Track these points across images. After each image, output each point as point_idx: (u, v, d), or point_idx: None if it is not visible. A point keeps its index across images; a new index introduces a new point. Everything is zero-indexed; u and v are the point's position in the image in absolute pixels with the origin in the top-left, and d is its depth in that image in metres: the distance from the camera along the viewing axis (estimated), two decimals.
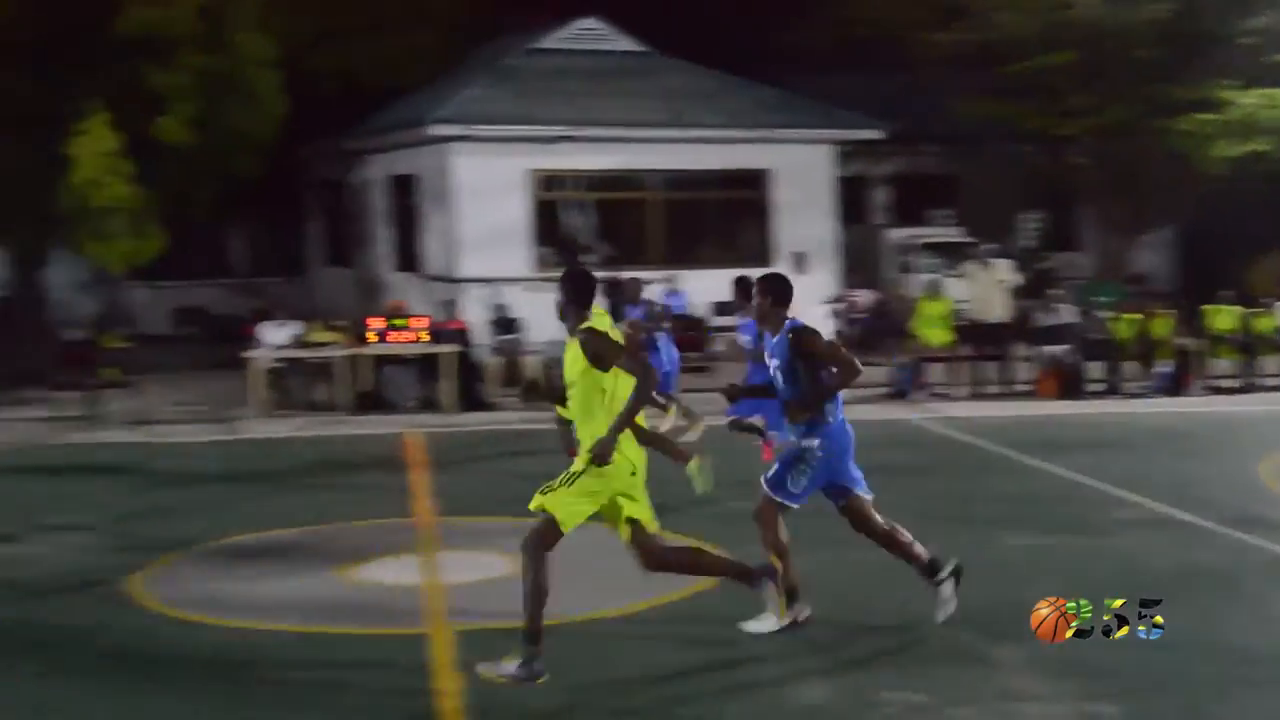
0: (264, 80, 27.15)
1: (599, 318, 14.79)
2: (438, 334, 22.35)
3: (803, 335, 9.56)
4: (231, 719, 8.36)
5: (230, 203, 29.64)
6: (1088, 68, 28.97)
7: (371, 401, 22.01)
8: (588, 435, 8.62)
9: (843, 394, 9.79)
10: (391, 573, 11.76)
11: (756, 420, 14.78)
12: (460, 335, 22.76)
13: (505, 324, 24.26)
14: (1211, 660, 9.10)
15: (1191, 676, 8.77)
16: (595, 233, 29.18)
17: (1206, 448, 18.15)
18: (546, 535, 8.52)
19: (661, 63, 31.15)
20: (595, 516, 8.75)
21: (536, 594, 8.46)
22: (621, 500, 8.71)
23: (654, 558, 8.94)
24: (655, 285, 25.63)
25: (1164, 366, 22.76)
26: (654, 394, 8.75)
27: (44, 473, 17.43)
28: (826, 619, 10.03)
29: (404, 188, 30.21)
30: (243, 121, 26.87)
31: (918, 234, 31.46)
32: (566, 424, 14.52)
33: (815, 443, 9.50)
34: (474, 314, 24.86)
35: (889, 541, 9.88)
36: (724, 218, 29.56)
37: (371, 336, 22.15)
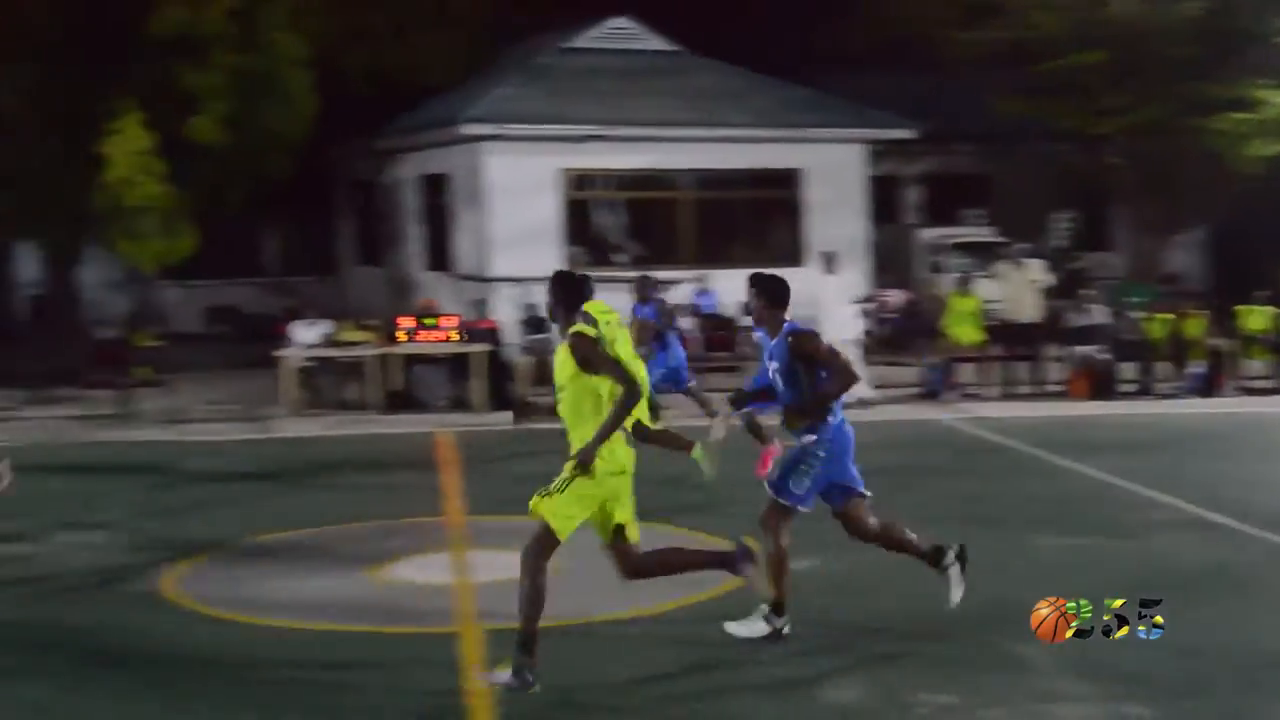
0: (296, 80, 27.22)
1: (605, 316, 14.79)
2: (468, 333, 22.37)
3: (801, 338, 9.45)
4: (261, 718, 8.39)
5: (262, 202, 29.73)
6: (1121, 66, 28.84)
7: (402, 401, 22.03)
8: (578, 439, 8.58)
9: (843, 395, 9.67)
10: (422, 572, 11.77)
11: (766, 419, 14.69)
12: (491, 334, 22.78)
13: (536, 323, 24.25)
14: (1243, 662, 9.06)
15: (1223, 678, 8.74)
16: (626, 232, 29.17)
17: (1239, 449, 18.06)
18: (544, 543, 8.47)
19: (693, 62, 31.13)
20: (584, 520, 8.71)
21: (533, 602, 8.41)
22: (611, 506, 8.66)
23: (632, 565, 8.87)
24: (686, 284, 25.67)
25: (1197, 367, 22.65)
26: (649, 400, 8.66)
27: (77, 471, 17.50)
28: (857, 619, 10.04)
29: (435, 187, 30.24)
30: (275, 121, 26.95)
31: (949, 234, 31.37)
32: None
33: (815, 440, 9.38)
34: (505, 313, 24.87)
35: (886, 541, 9.83)
36: (755, 217, 29.51)
37: (401, 336, 22.17)
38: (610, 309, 15.07)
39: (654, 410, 16.39)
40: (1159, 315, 23.14)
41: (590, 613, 10.06)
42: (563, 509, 8.43)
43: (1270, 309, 23.34)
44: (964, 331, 22.56)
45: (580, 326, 8.62)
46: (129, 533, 13.63)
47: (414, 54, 32.73)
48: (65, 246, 28.92)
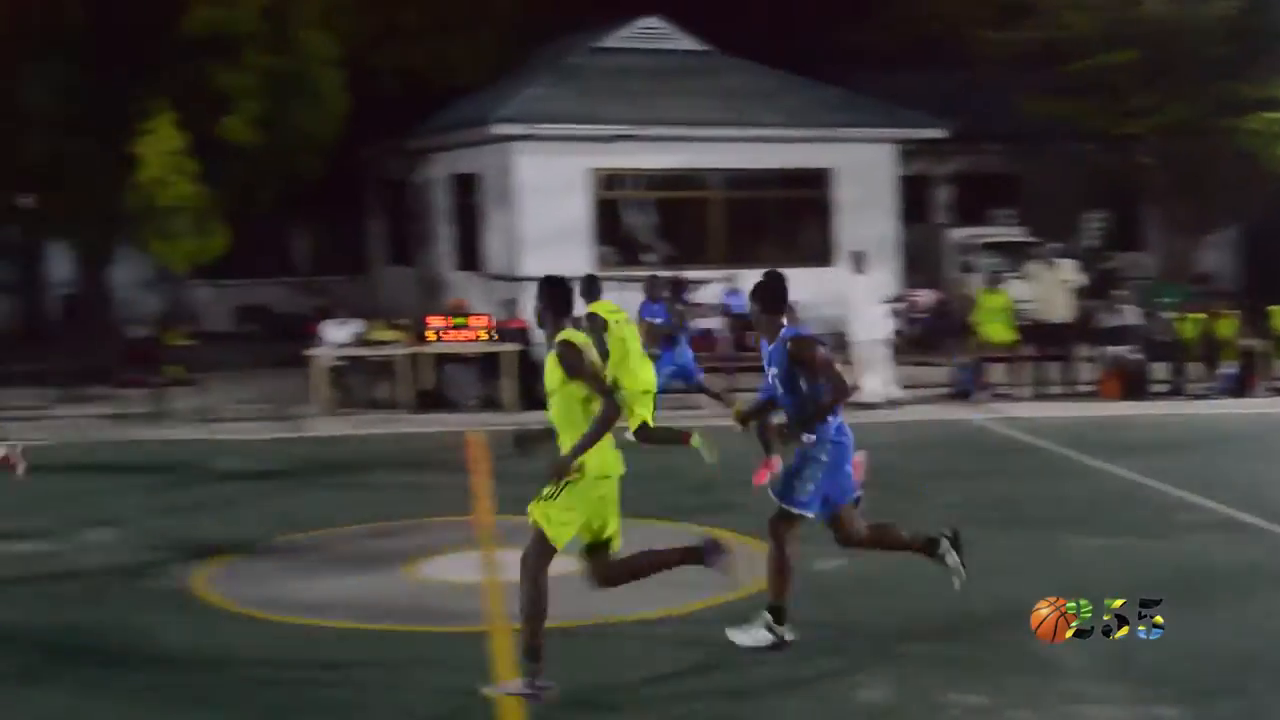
0: (327, 80, 27.31)
1: (613, 315, 14.80)
2: (499, 333, 22.40)
3: (799, 344, 9.33)
4: (293, 717, 8.42)
5: (293, 202, 29.83)
6: (1152, 66, 28.75)
7: (433, 400, 22.08)
8: (568, 445, 8.55)
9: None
10: (453, 571, 11.80)
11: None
12: (521, 334, 22.80)
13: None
14: (1274, 663, 9.03)
15: (1253, 679, 8.71)
16: (656, 232, 29.18)
17: (1271, 449, 17.98)
18: (540, 550, 8.43)
19: (723, 62, 31.12)
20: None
21: (534, 610, 8.38)
22: (602, 512, 8.61)
23: (605, 574, 8.81)
24: (715, 284, 25.66)
25: (1229, 367, 22.55)
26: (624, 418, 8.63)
27: (109, 469, 17.57)
28: (886, 619, 10.03)
29: (466, 186, 30.29)
30: (306, 121, 27.04)
31: (979, 233, 31.31)
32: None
33: (815, 443, 9.27)
34: (535, 313, 24.86)
35: (878, 544, 9.78)
36: (785, 217, 29.50)
37: (431, 335, 22.22)
38: (618, 308, 15.13)
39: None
40: (1191, 315, 23.05)
41: (619, 613, 10.06)
42: (557, 516, 8.40)
43: None
44: (995, 330, 22.49)
45: (568, 333, 8.57)
46: (159, 531, 13.68)
47: (445, 54, 32.80)
48: (98, 246, 29.06)
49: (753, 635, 9.25)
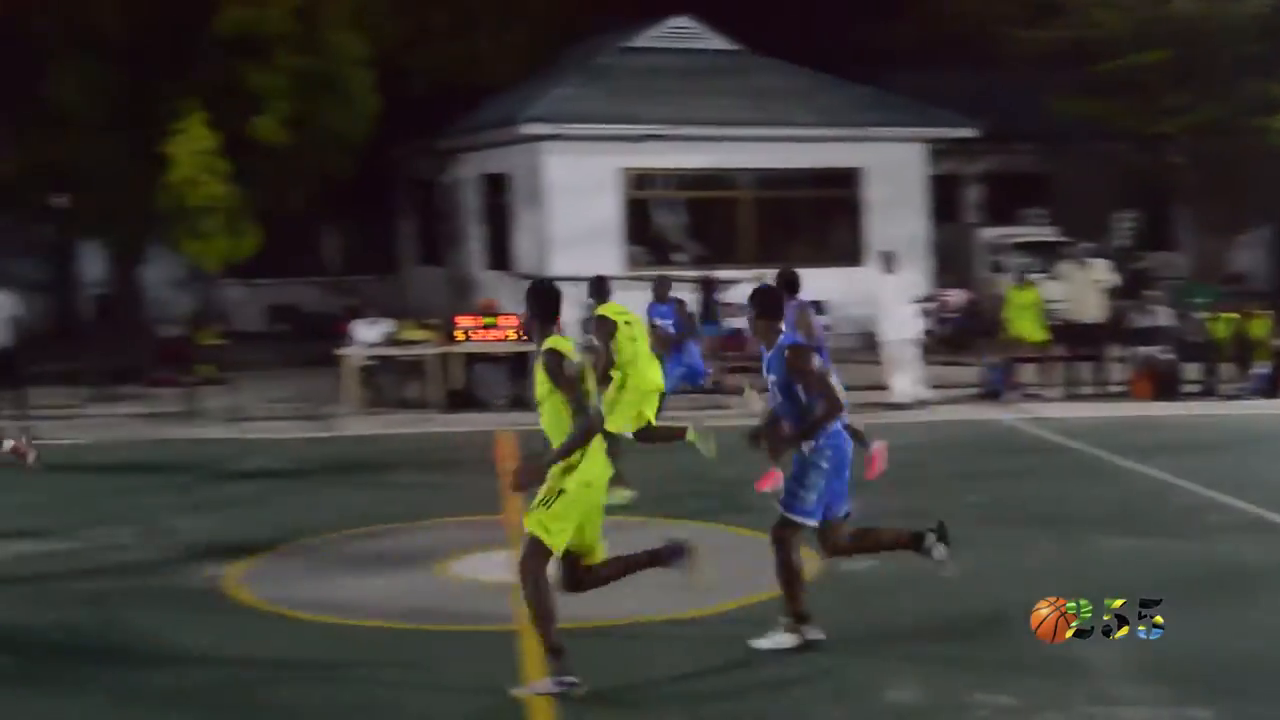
0: (358, 80, 27.38)
1: (622, 317, 14.80)
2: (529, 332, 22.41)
3: (795, 353, 9.26)
4: (322, 717, 8.45)
5: (324, 201, 29.91)
6: (1183, 65, 28.65)
7: (463, 399, 22.11)
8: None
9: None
10: (483, 570, 11.82)
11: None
12: None
13: None
14: None
15: None
16: (686, 232, 29.20)
17: None
18: (537, 556, 8.44)
19: (753, 61, 31.11)
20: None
21: (542, 613, 8.40)
22: (591, 518, 8.63)
23: (578, 580, 8.79)
24: (746, 284, 25.63)
25: (1261, 368, 22.44)
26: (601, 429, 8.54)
27: (140, 468, 17.63)
28: (914, 619, 10.02)
29: (496, 186, 30.34)
30: (337, 121, 27.11)
31: (1010, 233, 31.23)
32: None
33: (817, 449, 9.21)
34: (565, 312, 24.89)
35: (862, 548, 9.74)
36: (816, 216, 29.50)
37: (460, 335, 22.25)
38: (627, 310, 15.14)
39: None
40: (1223, 315, 22.94)
41: (648, 612, 10.07)
42: (553, 525, 8.40)
43: None
44: (1026, 329, 22.40)
45: (554, 341, 8.57)
46: (189, 530, 13.73)
47: (475, 54, 32.86)
48: (130, 245, 29.19)
49: (774, 639, 9.25)
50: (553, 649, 8.43)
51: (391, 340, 22.64)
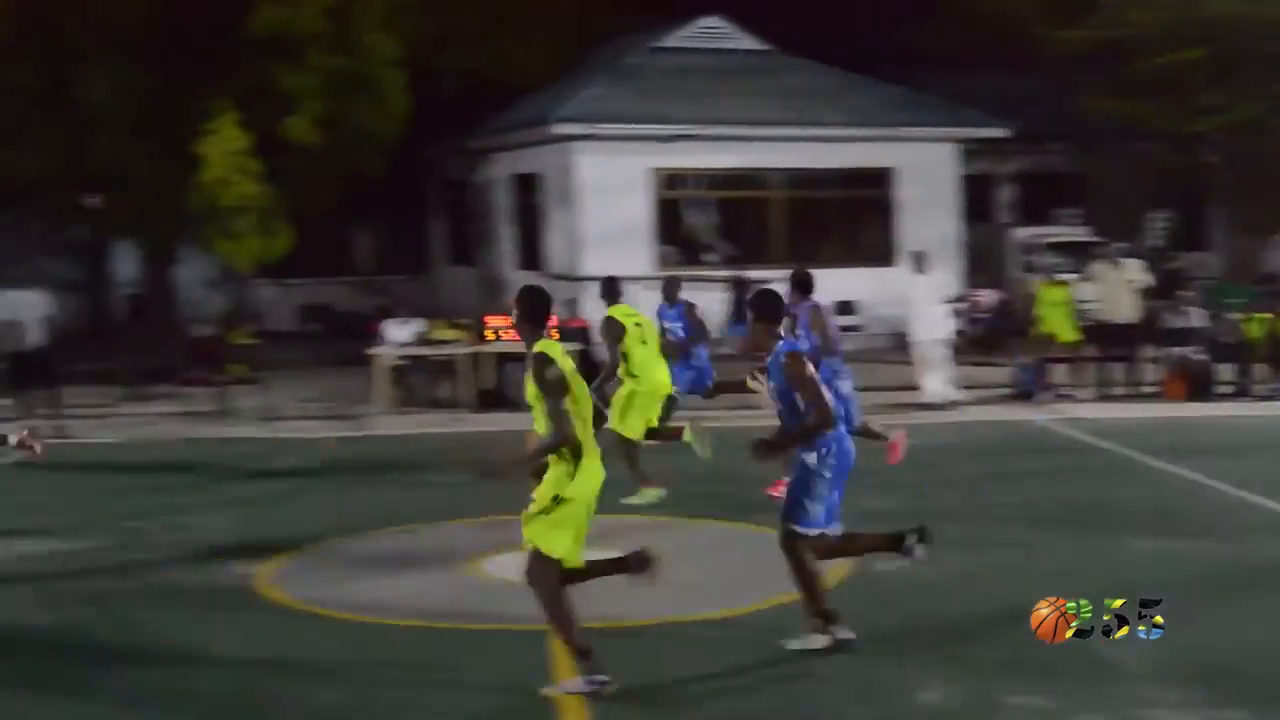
0: (390, 80, 27.44)
1: (631, 319, 14.78)
2: (560, 332, 22.42)
3: (790, 360, 9.17)
4: (354, 716, 8.46)
5: (355, 202, 29.99)
6: (1218, 64, 28.52)
7: (494, 399, 22.11)
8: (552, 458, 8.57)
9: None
10: (514, 569, 11.78)
11: None
12: (583, 333, 22.83)
13: None
14: None
15: None
16: (717, 231, 29.19)
17: None
18: (544, 564, 8.46)
19: (784, 61, 31.08)
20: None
21: (560, 616, 8.44)
22: (584, 526, 8.62)
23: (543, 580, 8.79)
24: (776, 284, 25.60)
25: None
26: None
27: (173, 467, 17.68)
28: (946, 620, 9.99)
29: (527, 186, 30.38)
30: (369, 121, 27.18)
31: (1043, 233, 31.12)
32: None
33: (819, 459, 9.15)
34: (596, 312, 24.92)
35: (845, 551, 9.69)
36: (847, 216, 29.46)
37: (491, 334, 22.27)
38: (636, 311, 15.12)
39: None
40: (1257, 316, 22.82)
41: (681, 612, 10.07)
42: (553, 531, 8.43)
43: None
44: (1059, 328, 22.29)
45: (543, 345, 8.57)
46: (221, 529, 13.77)
47: (506, 54, 32.91)
48: (163, 245, 29.32)
49: (805, 640, 9.24)
50: (579, 651, 8.44)
51: (423, 340, 22.67)
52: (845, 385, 14.42)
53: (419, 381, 22.77)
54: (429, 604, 10.73)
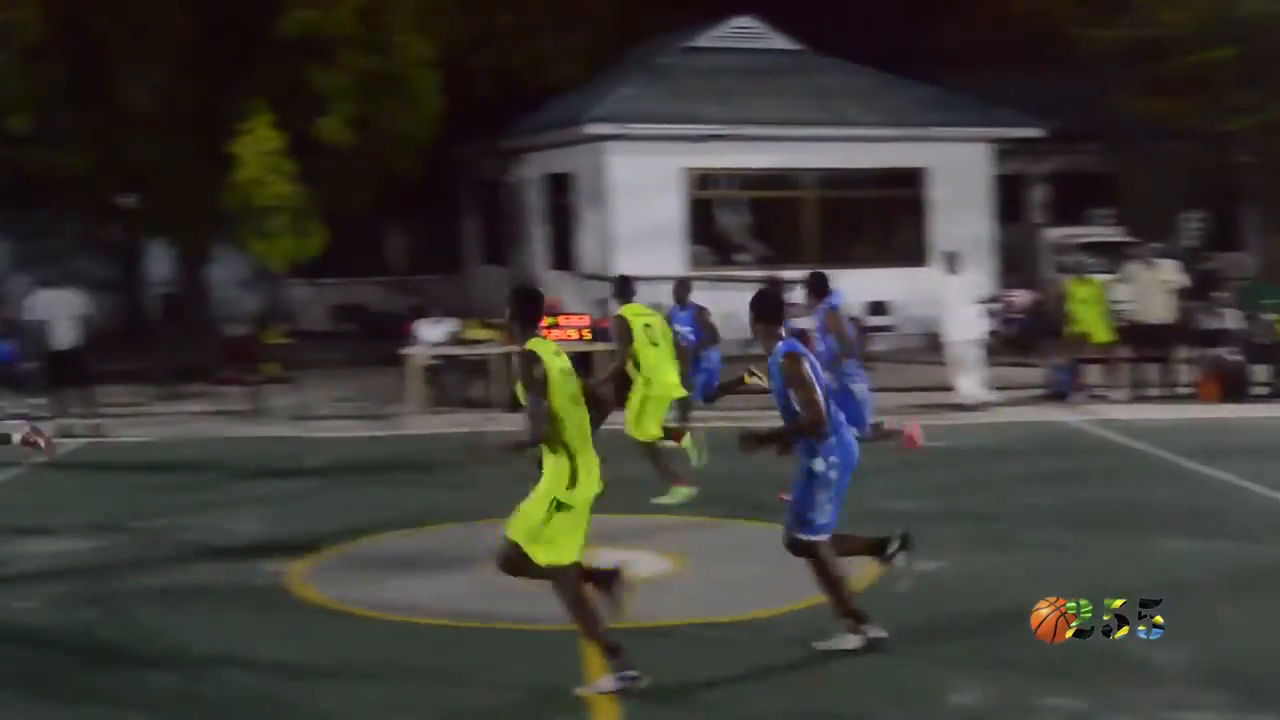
0: (422, 80, 27.50)
1: (641, 318, 14.79)
2: (593, 332, 22.45)
3: (787, 359, 9.10)
4: (388, 715, 8.48)
5: (388, 201, 30.06)
6: (1251, 63, 28.39)
7: None
8: (545, 456, 8.54)
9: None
10: None
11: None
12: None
13: None
14: None
15: None
16: (750, 231, 29.17)
17: None
18: (562, 579, 8.49)
19: (816, 61, 31.05)
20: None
21: (589, 625, 8.48)
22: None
23: (511, 564, 8.70)
24: None
25: None
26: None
27: (206, 467, 17.74)
28: (981, 621, 9.97)
29: (559, 186, 30.41)
30: (401, 121, 27.25)
31: (1076, 233, 31.02)
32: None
33: (823, 462, 9.09)
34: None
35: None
36: (880, 217, 29.42)
37: None
38: (649, 310, 15.11)
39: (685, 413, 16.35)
40: None
41: (713, 614, 10.07)
42: (558, 539, 8.44)
43: None
44: (1093, 328, 22.18)
45: (533, 344, 8.58)
46: (253, 528, 13.82)
47: (539, 54, 32.95)
48: (197, 245, 29.45)
49: (837, 641, 9.23)
50: (608, 648, 8.47)
51: (456, 339, 22.71)
52: (860, 388, 14.39)
53: (452, 381, 22.81)
54: (460, 604, 10.75)
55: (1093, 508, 14.17)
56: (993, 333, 23.42)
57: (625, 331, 14.37)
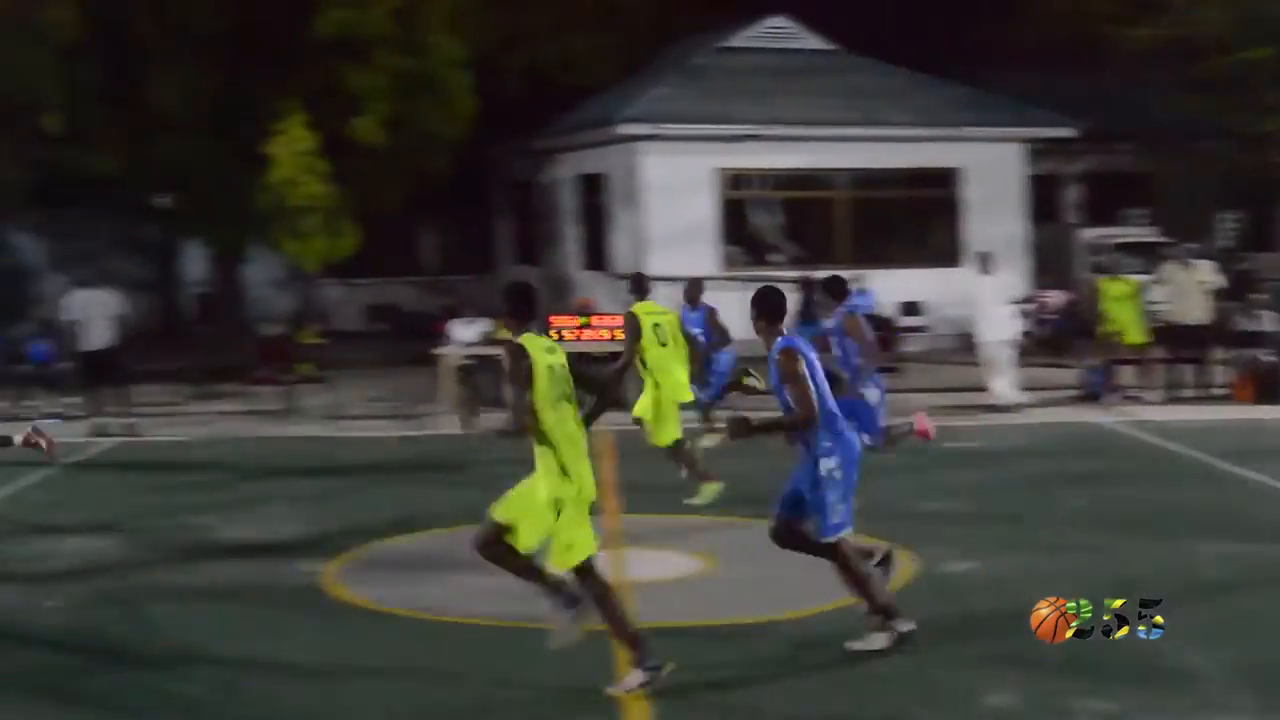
0: (456, 81, 27.56)
1: (652, 317, 14.80)
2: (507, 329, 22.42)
3: (783, 355, 9.09)
4: (421, 714, 8.50)
5: (421, 202, 30.13)
6: None
7: None
8: (536, 450, 8.59)
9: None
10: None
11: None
12: None
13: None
14: None
15: None
16: (783, 232, 29.14)
17: None
18: (584, 579, 8.57)
19: (850, 61, 31.01)
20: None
21: (614, 620, 8.56)
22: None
23: (489, 548, 8.75)
24: None
25: None
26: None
27: (241, 466, 17.81)
28: (1014, 622, 9.93)
29: (592, 186, 30.42)
30: (435, 122, 27.32)
31: (1110, 233, 30.90)
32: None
33: (832, 462, 9.09)
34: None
35: (815, 550, 9.60)
36: (913, 217, 29.35)
37: (555, 334, 22.28)
38: (662, 310, 15.12)
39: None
40: None
41: (744, 614, 10.07)
42: (569, 537, 8.53)
43: None
44: (1127, 328, 22.07)
45: (524, 338, 8.61)
46: (286, 527, 13.86)
47: (572, 55, 33.01)
48: (231, 245, 29.55)
49: (868, 641, 9.21)
50: (630, 640, 8.51)
51: (488, 339, 22.71)
52: (874, 394, 14.33)
53: (485, 381, 22.82)
54: (495, 603, 10.74)
55: (1126, 509, 14.11)
56: (1026, 333, 23.35)
57: (634, 329, 14.38)
